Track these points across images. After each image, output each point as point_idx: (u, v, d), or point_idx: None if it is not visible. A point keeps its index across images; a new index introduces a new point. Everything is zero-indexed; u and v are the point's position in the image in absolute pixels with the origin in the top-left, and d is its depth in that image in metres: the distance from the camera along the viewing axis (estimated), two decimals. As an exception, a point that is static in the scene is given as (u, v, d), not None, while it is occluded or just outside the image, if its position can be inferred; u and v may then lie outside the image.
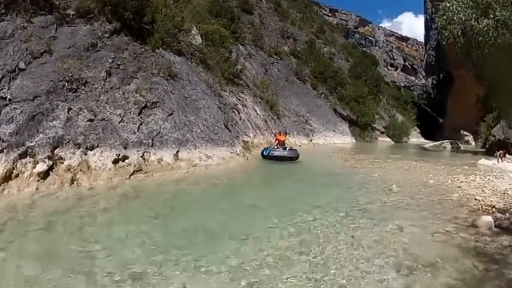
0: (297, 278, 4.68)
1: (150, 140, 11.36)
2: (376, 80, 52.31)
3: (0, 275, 4.39)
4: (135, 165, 10.30)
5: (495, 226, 6.71)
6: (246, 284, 4.47)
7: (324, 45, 57.03)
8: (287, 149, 17.70)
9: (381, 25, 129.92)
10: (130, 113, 11.46)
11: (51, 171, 8.54)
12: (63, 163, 8.85)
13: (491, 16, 12.81)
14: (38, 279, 4.34)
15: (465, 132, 52.52)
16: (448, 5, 14.01)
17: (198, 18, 23.60)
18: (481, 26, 12.92)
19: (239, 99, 22.36)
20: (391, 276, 4.73)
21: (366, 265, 5.07)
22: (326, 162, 18.36)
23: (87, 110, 10.21)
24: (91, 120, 10.12)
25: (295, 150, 18.08)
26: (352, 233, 6.46)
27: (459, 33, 14.15)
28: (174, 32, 16.32)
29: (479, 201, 8.90)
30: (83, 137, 9.60)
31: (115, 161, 9.90)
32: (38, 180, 8.15)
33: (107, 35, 12.67)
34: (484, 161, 18.87)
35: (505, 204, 8.55)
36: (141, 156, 10.72)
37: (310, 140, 30.58)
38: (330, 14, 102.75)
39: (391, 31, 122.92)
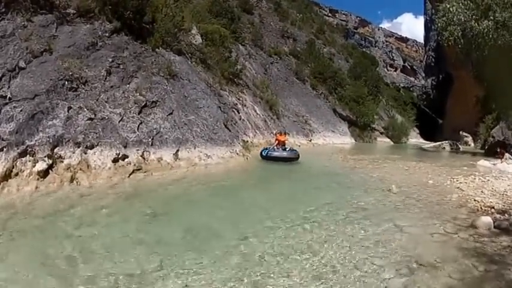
0: (297, 277, 4.69)
1: (149, 139, 11.36)
2: (375, 81, 52.35)
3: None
4: (134, 165, 10.30)
5: (494, 227, 6.72)
6: (247, 283, 4.47)
7: (323, 45, 57.10)
8: (287, 149, 17.23)
9: (380, 26, 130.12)
10: (130, 112, 11.46)
11: (51, 170, 8.53)
12: (62, 162, 8.84)
13: (491, 17, 12.83)
14: (36, 278, 4.34)
15: (464, 133, 52.54)
16: (448, 6, 14.03)
17: (198, 18, 23.62)
18: (481, 28, 12.94)
19: (239, 99, 22.37)
20: (390, 276, 4.74)
21: (366, 265, 5.07)
22: (325, 162, 18.35)
23: (87, 109, 10.21)
24: (91, 119, 10.11)
25: (295, 150, 17.53)
26: (351, 232, 6.47)
27: (459, 35, 14.17)
28: (174, 31, 16.32)
29: (478, 202, 8.91)
30: (83, 135, 9.59)
31: (115, 160, 9.90)
32: (38, 179, 8.13)
33: (107, 34, 12.67)
34: (483, 162, 18.89)
35: (504, 205, 8.57)
36: (141, 156, 10.72)
37: (310, 140, 30.59)
38: (329, 15, 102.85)
39: (390, 32, 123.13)
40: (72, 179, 8.71)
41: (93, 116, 10.21)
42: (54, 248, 5.17)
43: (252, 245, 5.67)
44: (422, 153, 31.55)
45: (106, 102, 11.00)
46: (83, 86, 10.62)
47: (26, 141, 8.33)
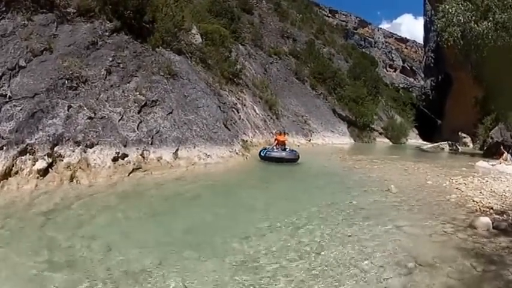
0: (297, 276, 4.71)
1: (149, 138, 11.37)
2: (375, 81, 52.37)
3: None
4: (134, 163, 10.31)
5: (493, 227, 6.74)
6: (246, 282, 4.49)
7: (323, 45, 57.20)
8: (287, 150, 16.73)
9: (380, 26, 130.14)
10: (130, 111, 11.47)
11: (51, 168, 8.54)
12: (62, 160, 8.85)
13: (491, 19, 12.87)
14: (36, 276, 4.36)
15: (463, 134, 52.59)
16: (448, 7, 14.07)
17: (198, 18, 23.63)
18: (480, 29, 12.98)
19: (238, 99, 22.39)
20: (389, 276, 4.76)
21: (365, 264, 5.09)
22: (325, 162, 18.36)
23: (87, 108, 10.21)
24: (91, 118, 10.12)
25: (295, 151, 16.96)
26: (350, 232, 6.49)
27: (458, 36, 14.20)
28: (174, 31, 16.34)
29: (477, 202, 8.94)
30: (83, 134, 9.60)
31: (114, 159, 9.91)
32: (38, 178, 8.14)
33: (107, 34, 12.69)
34: (482, 163, 18.91)
35: (502, 206, 8.59)
36: (141, 155, 10.73)
37: (309, 140, 30.60)
38: (329, 15, 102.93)
39: (390, 32, 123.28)
40: (72, 178, 8.71)
41: (93, 115, 10.22)
42: (53, 247, 5.18)
43: (252, 245, 5.68)
44: (421, 153, 31.60)
45: (106, 101, 11.01)
46: (83, 85, 10.63)
47: (26, 139, 8.34)
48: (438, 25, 15.33)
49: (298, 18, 58.38)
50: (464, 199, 9.41)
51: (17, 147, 8.08)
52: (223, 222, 6.90)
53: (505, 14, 12.60)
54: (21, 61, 9.54)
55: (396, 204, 8.85)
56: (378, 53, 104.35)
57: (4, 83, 8.81)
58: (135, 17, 13.88)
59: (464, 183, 11.81)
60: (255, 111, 24.36)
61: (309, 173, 14.35)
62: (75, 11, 12.00)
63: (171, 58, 15.18)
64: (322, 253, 5.45)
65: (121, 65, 12.37)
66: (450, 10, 13.76)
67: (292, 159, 16.19)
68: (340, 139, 36.40)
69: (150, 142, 11.32)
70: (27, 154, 8.23)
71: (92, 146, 9.66)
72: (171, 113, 12.92)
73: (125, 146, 10.45)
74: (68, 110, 9.68)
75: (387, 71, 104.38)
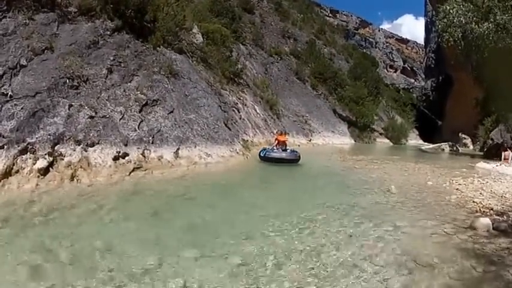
0: (297, 276, 4.71)
1: (150, 138, 11.39)
2: (375, 82, 52.38)
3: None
4: (135, 163, 10.32)
5: (493, 228, 6.74)
6: (246, 282, 4.49)
7: (324, 45, 57.26)
8: (288, 150, 16.20)
9: (380, 27, 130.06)
10: (131, 110, 11.49)
11: (52, 167, 8.55)
12: (63, 159, 8.86)
13: (492, 20, 12.87)
14: (37, 275, 4.37)
15: (463, 135, 52.62)
16: (449, 8, 14.08)
17: (199, 17, 23.66)
18: (481, 30, 12.99)
19: (239, 98, 22.40)
20: (389, 276, 4.76)
21: (365, 265, 5.09)
22: (325, 162, 18.35)
23: (88, 107, 10.23)
24: (92, 117, 10.14)
25: (296, 152, 16.38)
26: (350, 232, 6.49)
27: (459, 36, 14.21)
28: (175, 30, 16.38)
29: (477, 203, 8.94)
30: (84, 133, 9.62)
31: (115, 158, 9.92)
32: (38, 177, 8.15)
33: (108, 33, 12.72)
34: (482, 164, 18.91)
35: (503, 207, 8.60)
36: (141, 154, 10.74)
37: (310, 140, 30.62)
38: (330, 15, 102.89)
39: (391, 33, 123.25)
40: (72, 177, 8.72)
41: (94, 114, 10.23)
42: (54, 246, 5.19)
43: (252, 244, 5.68)
44: (421, 154, 31.59)
45: (107, 100, 11.03)
46: (84, 84, 10.64)
47: (27, 138, 8.35)
48: (439, 26, 15.35)
49: (299, 18, 58.43)
50: (465, 200, 9.42)
51: (18, 146, 8.09)
52: (223, 222, 6.90)
53: (506, 15, 12.61)
54: (23, 60, 9.56)
55: (396, 205, 8.84)
56: (379, 53, 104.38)
57: (5, 82, 8.84)
58: (136, 16, 13.92)
59: (465, 184, 11.82)
60: (255, 110, 24.37)
61: (309, 172, 14.34)
62: (76, 10, 12.03)
63: (172, 57, 15.21)
64: (323, 253, 5.45)
65: (122, 64, 12.40)
66: (451, 11, 13.77)
67: (293, 160, 15.70)
68: (341, 139, 36.41)
69: (151, 141, 11.33)
70: (28, 153, 8.24)
71: (92, 145, 9.67)
72: (172, 112, 12.94)
73: (125, 145, 10.46)
74: (68, 109, 9.69)
75: (388, 71, 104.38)
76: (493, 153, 25.82)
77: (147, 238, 5.74)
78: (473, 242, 6.11)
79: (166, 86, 13.57)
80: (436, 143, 43.29)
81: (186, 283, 4.38)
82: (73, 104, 9.92)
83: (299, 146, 24.88)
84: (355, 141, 39.08)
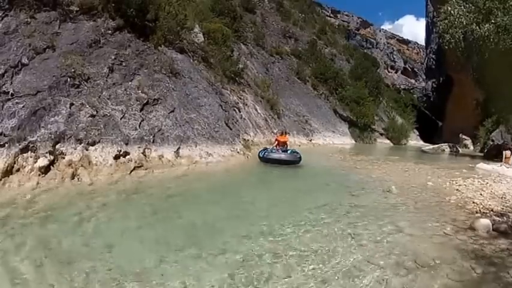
0: (297, 275, 4.73)
1: (151, 137, 11.42)
2: (376, 82, 52.32)
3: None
4: (136, 161, 10.34)
5: (493, 229, 6.74)
6: (246, 281, 4.51)
7: (325, 46, 57.25)
8: (288, 151, 15.67)
9: (382, 27, 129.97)
10: (132, 109, 11.52)
11: (52, 166, 8.58)
12: (64, 158, 8.89)
13: (493, 21, 12.89)
14: (37, 273, 4.39)
15: (464, 136, 52.55)
16: (450, 9, 14.10)
17: (201, 17, 23.64)
18: (482, 31, 13.00)
19: (240, 98, 22.40)
20: (389, 276, 4.78)
21: (365, 264, 5.11)
22: (325, 162, 18.36)
23: (89, 106, 10.25)
24: (93, 116, 10.16)
25: (297, 152, 15.82)
26: (350, 232, 6.49)
27: (460, 38, 14.23)
28: (176, 29, 16.40)
29: (477, 204, 8.93)
30: (85, 132, 9.64)
31: (116, 157, 9.95)
32: (39, 175, 8.18)
33: (109, 32, 12.75)
34: (482, 165, 18.86)
35: (502, 208, 8.59)
36: (142, 153, 10.76)
37: (310, 140, 30.59)
38: (331, 15, 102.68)
39: (392, 33, 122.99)
40: (73, 175, 8.74)
41: (95, 113, 10.26)
42: (54, 244, 5.22)
43: (252, 244, 5.70)
44: (421, 155, 31.55)
45: (108, 99, 11.05)
46: (85, 83, 10.66)
47: (28, 137, 8.37)
48: (440, 27, 15.38)
49: (300, 18, 58.42)
50: (465, 201, 9.41)
51: (19, 145, 8.12)
52: (224, 222, 6.92)
53: (507, 17, 12.62)
54: (24, 59, 9.58)
55: (397, 205, 8.85)
56: (380, 54, 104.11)
57: (7, 81, 8.86)
58: (138, 15, 13.95)
59: (465, 185, 11.80)
60: (256, 110, 24.37)
61: (310, 172, 14.34)
62: (78, 9, 12.06)
63: (173, 57, 15.25)
64: (322, 253, 5.46)
65: (123, 63, 12.42)
66: (452, 12, 13.78)
67: (293, 162, 15.14)
68: (341, 139, 36.39)
69: (151, 140, 11.36)
70: (29, 151, 8.27)
71: (93, 143, 9.70)
72: (172, 111, 12.96)
73: (126, 144, 10.48)
74: (70, 108, 9.71)
75: (388, 72, 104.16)
76: (493, 154, 25.80)
77: (147, 237, 5.77)
78: (473, 243, 6.12)
79: (167, 85, 13.60)
80: (437, 143, 43.19)
81: (186, 282, 4.39)
82: (74, 102, 9.93)
83: (299, 145, 24.89)
84: (355, 141, 39.05)
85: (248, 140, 18.60)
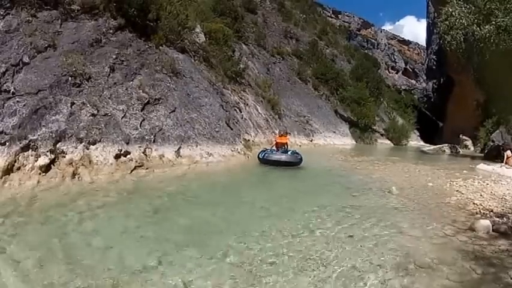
0: (296, 275, 4.74)
1: (152, 136, 11.43)
2: (377, 83, 52.23)
3: None
4: (136, 161, 10.36)
5: (493, 230, 6.74)
6: (246, 281, 4.52)
7: (326, 46, 57.16)
8: (289, 152, 15.24)
9: (383, 28, 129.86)
10: (133, 108, 11.54)
11: (53, 164, 8.59)
12: (65, 157, 8.90)
13: (493, 22, 12.89)
14: (36, 272, 4.39)
15: (464, 137, 52.49)
16: (451, 10, 14.11)
17: (202, 17, 23.64)
18: (482, 32, 13.00)
19: (241, 98, 22.41)
20: (389, 277, 4.78)
21: (365, 265, 5.11)
22: (326, 163, 18.35)
23: (90, 105, 10.26)
24: (94, 115, 10.17)
25: (298, 154, 15.42)
26: (350, 233, 6.50)
27: (461, 39, 14.23)
28: (178, 29, 16.40)
29: (477, 205, 8.93)
30: (86, 131, 9.65)
31: (117, 156, 9.96)
32: (40, 174, 8.19)
33: (111, 31, 12.75)
34: (482, 166, 18.85)
35: (503, 209, 8.59)
36: (143, 152, 10.77)
37: (311, 141, 30.58)
38: (332, 16, 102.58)
39: (393, 34, 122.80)
40: (74, 174, 8.75)
41: (96, 112, 10.27)
42: (54, 243, 5.22)
43: (252, 243, 5.70)
44: (422, 155, 31.52)
45: (109, 98, 11.07)
46: (86, 82, 10.67)
47: (29, 135, 8.38)
48: (441, 28, 15.39)
49: (301, 19, 58.36)
50: (465, 201, 9.41)
51: (20, 143, 8.12)
52: (224, 221, 6.93)
53: (507, 17, 12.62)
54: (25, 57, 9.58)
55: (397, 206, 8.85)
56: (381, 54, 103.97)
57: (8, 79, 8.86)
58: (139, 15, 13.96)
59: (465, 186, 11.80)
60: (257, 110, 24.38)
61: (310, 173, 14.34)
62: (79, 8, 12.04)
63: (174, 56, 15.25)
64: (322, 254, 5.46)
65: (124, 63, 12.43)
66: (453, 13, 13.79)
67: (293, 163, 14.78)
68: (342, 140, 36.36)
69: (152, 140, 11.37)
70: (30, 150, 8.27)
71: (94, 143, 9.71)
72: (173, 111, 12.98)
73: (127, 143, 10.49)
74: (71, 107, 9.72)
75: (389, 72, 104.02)
76: (493, 155, 25.78)
77: (147, 236, 5.77)
78: (472, 244, 6.12)
79: (168, 84, 13.61)
80: (437, 144, 43.19)
81: (185, 282, 4.40)
82: (75, 101, 9.95)
83: (300, 146, 24.89)
84: (356, 142, 39.01)
85: (249, 140, 18.60)
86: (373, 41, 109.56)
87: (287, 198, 9.31)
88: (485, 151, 32.28)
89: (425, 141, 60.07)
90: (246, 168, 13.76)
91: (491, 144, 31.00)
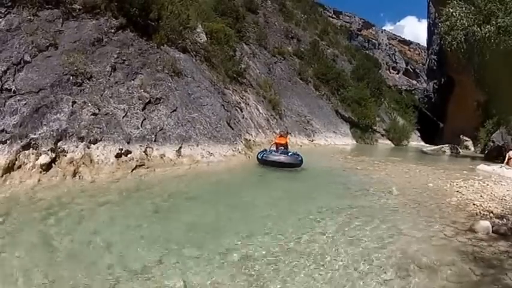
0: (297, 275, 4.75)
1: (153, 136, 11.43)
2: (378, 83, 52.32)
3: None
4: (137, 160, 10.36)
5: (493, 231, 6.75)
6: (247, 280, 4.53)
7: (327, 46, 57.20)
8: (289, 153, 14.87)
9: (383, 28, 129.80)
10: (134, 108, 11.54)
11: (54, 163, 8.59)
12: (66, 156, 8.90)
13: (494, 23, 12.90)
14: (36, 271, 4.41)
15: (465, 137, 52.59)
16: (452, 10, 14.11)
17: (204, 16, 23.67)
18: (483, 32, 13.01)
19: (242, 98, 22.41)
20: (388, 278, 4.79)
21: (364, 266, 5.12)
22: (326, 163, 18.34)
23: (92, 104, 10.27)
24: (95, 114, 10.18)
25: (298, 155, 14.97)
26: (350, 233, 6.51)
27: (461, 39, 14.23)
28: (179, 29, 16.42)
29: (477, 206, 8.93)
30: (87, 130, 9.66)
31: (118, 155, 9.96)
32: (40, 172, 8.19)
33: (112, 31, 12.76)
34: (483, 167, 18.85)
35: (503, 210, 8.59)
36: (144, 152, 10.78)
37: (312, 141, 30.58)
38: (334, 16, 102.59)
39: (394, 34, 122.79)
40: (74, 173, 8.75)
41: (97, 111, 10.28)
42: (54, 241, 5.24)
43: (252, 243, 5.71)
44: (422, 156, 31.54)
45: (110, 97, 11.08)
46: (87, 81, 10.68)
47: (30, 134, 8.39)
48: (441, 28, 15.39)
49: (302, 19, 58.37)
50: (465, 202, 9.42)
51: (21, 142, 8.14)
52: (224, 221, 6.94)
53: (508, 18, 12.63)
54: (26, 56, 9.60)
55: (397, 207, 8.85)
56: (381, 54, 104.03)
57: (9, 78, 8.88)
58: (141, 14, 13.98)
59: (465, 187, 11.81)
60: (258, 110, 24.38)
61: (311, 173, 14.32)
62: (81, 7, 12.06)
63: (175, 56, 15.26)
64: (322, 254, 5.47)
65: (126, 62, 12.44)
66: (454, 13, 13.79)
67: (293, 165, 14.30)
68: (343, 140, 36.36)
69: (153, 139, 11.38)
70: (31, 149, 8.29)
71: (95, 142, 9.71)
72: (175, 110, 12.99)
73: (128, 142, 10.50)
74: (72, 106, 9.74)
75: (390, 73, 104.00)
76: (493, 155, 25.80)
77: (148, 236, 5.78)
78: (472, 245, 6.12)
79: (169, 84, 13.62)
80: (438, 144, 43.22)
81: (186, 281, 4.41)
82: (76, 100, 9.96)
83: (301, 146, 24.92)
84: (356, 142, 39.02)
85: (250, 140, 18.59)
86: (374, 41, 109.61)
87: (288, 199, 9.32)
88: (486, 152, 32.30)
89: (426, 142, 60.12)
90: (247, 168, 13.75)
91: (492, 144, 31.01)
